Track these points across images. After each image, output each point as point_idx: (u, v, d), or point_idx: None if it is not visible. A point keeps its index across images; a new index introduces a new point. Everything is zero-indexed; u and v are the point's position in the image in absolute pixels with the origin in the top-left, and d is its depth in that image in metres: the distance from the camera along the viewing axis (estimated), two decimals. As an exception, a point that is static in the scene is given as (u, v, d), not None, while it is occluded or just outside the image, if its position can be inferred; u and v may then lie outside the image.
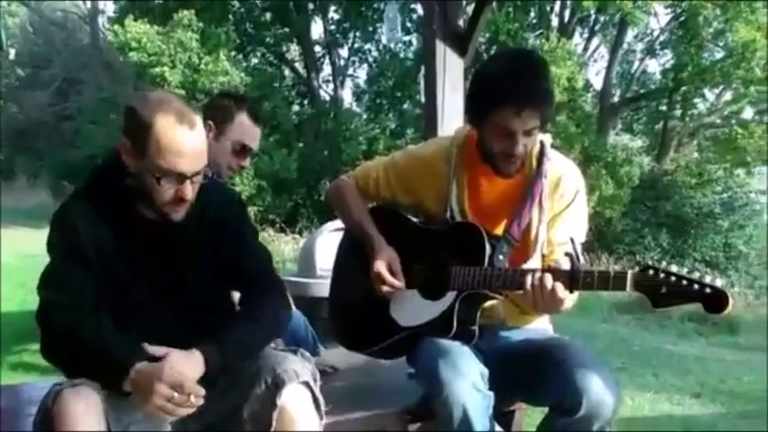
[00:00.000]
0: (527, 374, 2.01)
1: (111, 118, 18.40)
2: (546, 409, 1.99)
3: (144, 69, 14.33)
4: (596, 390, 1.82)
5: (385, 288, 2.07)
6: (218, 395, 1.69)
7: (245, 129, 2.56)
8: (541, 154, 2.08)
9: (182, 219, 1.73)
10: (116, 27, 14.84)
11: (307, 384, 1.71)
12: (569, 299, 1.87)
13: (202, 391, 1.56)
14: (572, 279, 1.80)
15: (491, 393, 1.91)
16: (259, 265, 1.88)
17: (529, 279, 1.85)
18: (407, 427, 2.39)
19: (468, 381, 1.86)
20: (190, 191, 1.69)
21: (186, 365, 1.57)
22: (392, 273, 2.07)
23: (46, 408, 1.56)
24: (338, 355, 2.49)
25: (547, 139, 2.11)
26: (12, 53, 24.04)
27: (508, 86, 1.91)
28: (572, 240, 1.83)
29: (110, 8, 22.78)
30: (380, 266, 2.07)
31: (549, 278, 1.82)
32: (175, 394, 1.53)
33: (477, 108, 2.01)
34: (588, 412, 1.81)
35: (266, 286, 1.85)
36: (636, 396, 4.31)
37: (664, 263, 1.74)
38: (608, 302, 7.68)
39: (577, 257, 1.80)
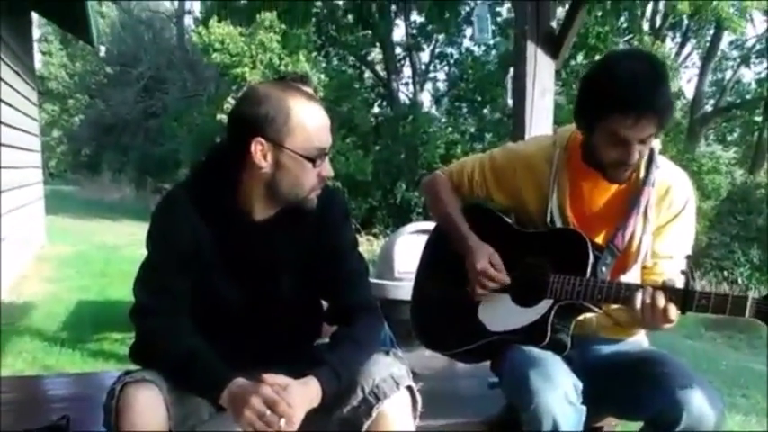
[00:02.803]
0: (621, 387, 1.91)
1: (193, 116, 18.98)
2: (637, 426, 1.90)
3: (226, 70, 14.64)
4: (698, 404, 1.72)
5: (491, 284, 1.99)
6: None
7: None
8: (650, 161, 1.97)
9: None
10: (200, 28, 15.22)
11: (409, 388, 1.67)
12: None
13: (296, 418, 1.51)
14: (686, 300, 1.71)
15: (583, 407, 1.82)
16: (357, 280, 1.82)
17: (639, 297, 1.76)
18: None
19: (560, 392, 1.77)
20: (330, 168, 1.69)
21: (301, 396, 1.53)
22: (495, 268, 2.00)
23: (113, 395, 1.55)
24: (416, 359, 2.43)
25: (656, 145, 1.98)
26: (102, 51, 25.03)
27: (628, 92, 1.77)
28: (688, 258, 1.74)
29: (196, 7, 23.42)
30: (483, 263, 1.99)
31: (661, 297, 1.73)
32: (268, 412, 1.48)
33: (590, 113, 1.88)
34: (688, 426, 1.72)
35: (364, 303, 1.79)
36: (725, 412, 4.08)
37: (753, 280, 1.59)
38: (694, 318, 7.35)
39: (693, 276, 1.70)
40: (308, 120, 1.62)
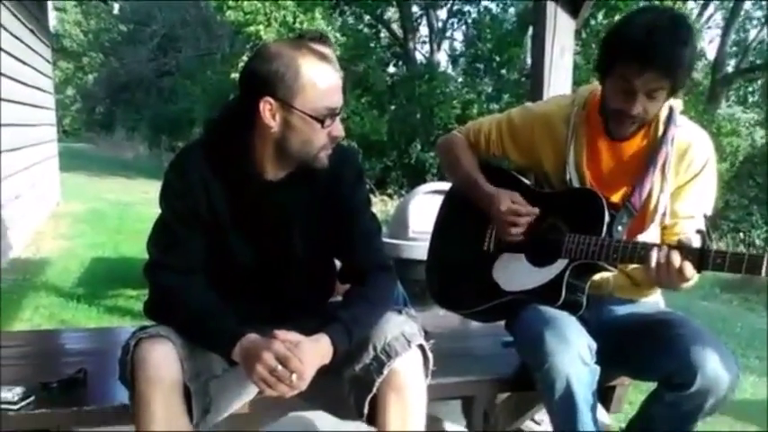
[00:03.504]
0: (635, 347, 1.91)
1: (206, 75, 18.89)
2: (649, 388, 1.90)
3: (240, 28, 14.49)
4: (712, 365, 1.72)
5: (521, 220, 1.97)
6: None
7: None
8: (669, 119, 1.93)
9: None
10: (214, -15, 15.06)
11: (421, 347, 1.67)
12: (695, 276, 1.76)
13: (307, 374, 1.51)
14: (702, 259, 1.69)
15: (597, 367, 1.83)
16: (370, 239, 1.81)
17: (654, 255, 1.74)
18: (496, 395, 2.32)
19: (574, 352, 1.77)
20: (341, 128, 1.66)
21: (312, 353, 1.53)
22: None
23: (128, 349, 1.56)
24: (429, 318, 2.43)
25: (677, 104, 1.96)
26: (116, 8, 24.87)
27: (636, 41, 1.76)
28: (705, 217, 1.72)
29: (211, -36, 23.09)
30: (506, 203, 1.98)
31: (677, 256, 1.71)
32: (279, 367, 1.48)
33: (604, 58, 1.88)
34: (702, 387, 1.72)
35: (378, 262, 1.78)
36: (740, 375, 4.08)
37: None
38: (710, 279, 7.30)
39: (709, 236, 1.68)
40: (318, 79, 1.59)
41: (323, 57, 1.62)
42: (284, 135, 1.62)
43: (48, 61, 9.41)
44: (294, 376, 1.49)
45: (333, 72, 1.63)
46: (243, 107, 1.64)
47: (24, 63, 7.27)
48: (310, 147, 1.63)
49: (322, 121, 1.61)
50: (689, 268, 1.70)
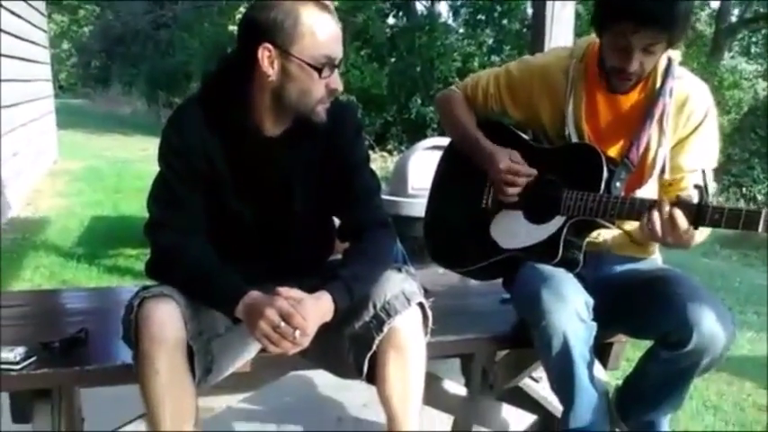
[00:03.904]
0: (632, 305, 1.91)
1: (204, 27, 18.60)
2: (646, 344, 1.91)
3: (238, -23, 14.25)
4: (708, 323, 1.72)
5: (519, 179, 1.97)
6: None
7: None
8: (667, 71, 1.90)
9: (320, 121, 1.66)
10: (212, -66, 14.73)
11: (420, 305, 1.68)
12: (702, 233, 1.76)
13: (310, 330, 1.52)
14: (698, 214, 1.67)
15: (594, 324, 1.83)
16: (369, 196, 1.80)
17: (653, 212, 1.72)
18: (495, 353, 2.34)
19: (570, 309, 1.78)
20: (339, 81, 1.64)
21: (314, 310, 1.54)
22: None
23: (131, 309, 1.57)
24: (428, 275, 2.43)
25: (675, 55, 1.93)
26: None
27: (630, 1, 1.74)
28: (703, 172, 1.71)
29: None
30: (505, 162, 1.96)
31: (675, 211, 1.69)
32: (282, 324, 1.49)
33: (598, 17, 1.85)
34: (698, 346, 1.72)
35: (377, 219, 1.78)
36: (736, 333, 4.10)
37: None
38: (710, 236, 7.31)
39: (706, 191, 1.66)
40: (318, 27, 1.57)
41: (323, 6, 1.60)
42: (282, 84, 1.60)
43: (42, 14, 9.28)
44: (297, 333, 1.50)
45: (333, 22, 1.61)
46: (241, 57, 1.63)
47: (17, 16, 7.16)
48: (308, 98, 1.62)
49: (320, 70, 1.59)
50: (683, 223, 1.68)
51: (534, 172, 1.97)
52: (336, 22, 1.62)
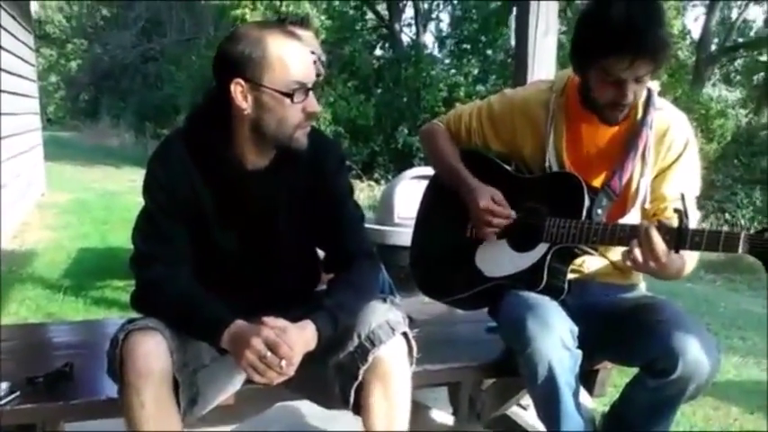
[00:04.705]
0: (617, 334, 1.92)
1: (191, 60, 18.71)
2: (632, 371, 1.91)
3: (225, 11, 14.38)
4: (693, 351, 1.73)
5: (496, 220, 1.98)
6: None
7: None
8: (648, 102, 1.94)
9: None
10: (197, -33, 14.89)
11: (405, 335, 1.68)
12: (690, 262, 1.79)
13: (295, 360, 1.52)
14: (679, 237, 1.68)
15: (579, 352, 1.84)
16: (354, 227, 1.82)
17: (633, 237, 1.73)
18: (482, 381, 2.34)
19: (555, 337, 1.78)
20: (316, 103, 1.64)
21: (299, 339, 1.54)
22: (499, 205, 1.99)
23: (117, 343, 1.56)
24: (414, 305, 2.44)
25: (655, 86, 1.96)
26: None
27: (622, 34, 1.74)
28: (682, 196, 1.71)
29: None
30: (486, 201, 1.98)
31: (655, 235, 1.69)
32: (269, 353, 1.49)
33: (585, 54, 1.85)
34: (684, 374, 1.73)
35: (362, 250, 1.79)
36: (721, 359, 4.10)
37: (755, 223, 1.59)
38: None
39: (686, 214, 1.67)
40: (285, 55, 1.59)
41: (289, 33, 1.63)
42: (258, 115, 1.62)
43: (30, 48, 9.30)
44: (283, 362, 1.49)
45: (300, 47, 1.62)
46: (218, 92, 1.65)
47: (6, 50, 7.18)
48: (285, 126, 1.63)
49: (291, 96, 1.60)
50: (661, 246, 1.68)
51: (512, 214, 1.99)
52: (307, 47, 1.64)
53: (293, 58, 1.59)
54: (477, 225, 2.02)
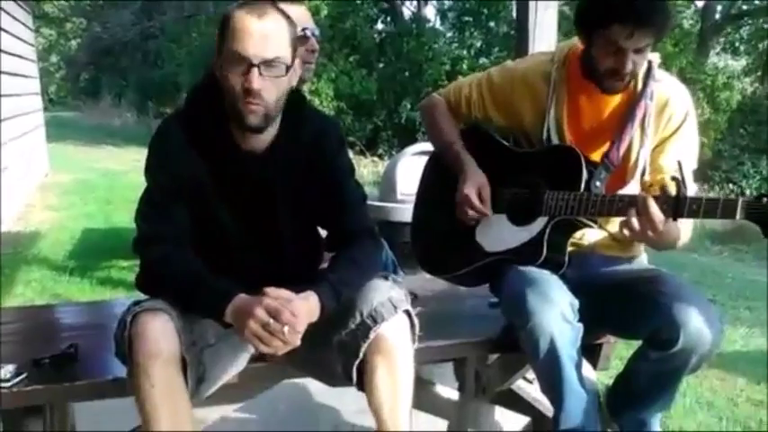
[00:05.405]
0: (619, 306, 1.92)
1: (192, 37, 18.59)
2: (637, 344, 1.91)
3: (225, -13, 14.24)
4: (695, 323, 1.73)
5: (471, 213, 1.99)
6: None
7: None
8: (648, 74, 1.93)
9: (257, 123, 1.63)
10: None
11: (407, 312, 1.69)
12: (684, 232, 1.79)
13: (299, 327, 1.52)
14: (677, 205, 1.68)
15: (580, 325, 1.84)
16: (356, 206, 1.82)
17: (631, 207, 1.73)
18: (487, 356, 2.35)
19: (556, 310, 1.79)
20: (257, 81, 1.58)
21: (302, 307, 1.55)
22: (481, 199, 1.99)
23: (125, 325, 1.57)
24: (417, 281, 2.44)
25: (655, 58, 1.95)
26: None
27: (624, 4, 1.77)
28: (679, 164, 1.71)
29: None
30: (470, 191, 1.99)
31: (653, 205, 1.70)
32: (271, 321, 1.49)
33: (588, 23, 1.87)
34: (686, 345, 1.73)
35: (364, 228, 1.79)
36: (728, 330, 4.12)
37: (763, 191, 1.58)
38: (700, 232, 7.35)
39: (684, 183, 1.67)
40: (238, 27, 1.59)
41: (251, 9, 1.60)
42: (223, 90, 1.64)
43: (29, 28, 9.26)
44: (287, 329, 1.49)
45: (256, 21, 1.59)
46: (213, 71, 1.66)
47: (5, 31, 7.14)
48: (232, 97, 1.61)
49: (230, 67, 1.59)
50: (658, 215, 1.69)
51: (487, 213, 1.99)
52: (266, 21, 1.60)
53: (242, 31, 1.58)
54: (457, 209, 2.03)
